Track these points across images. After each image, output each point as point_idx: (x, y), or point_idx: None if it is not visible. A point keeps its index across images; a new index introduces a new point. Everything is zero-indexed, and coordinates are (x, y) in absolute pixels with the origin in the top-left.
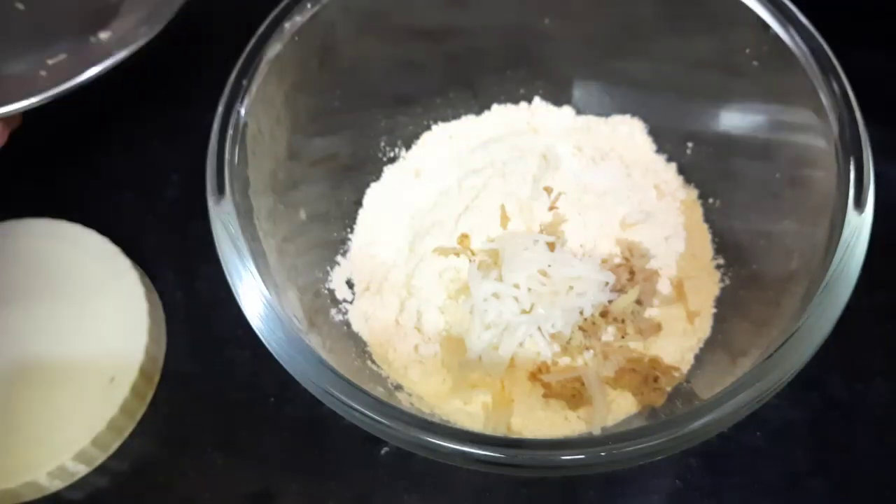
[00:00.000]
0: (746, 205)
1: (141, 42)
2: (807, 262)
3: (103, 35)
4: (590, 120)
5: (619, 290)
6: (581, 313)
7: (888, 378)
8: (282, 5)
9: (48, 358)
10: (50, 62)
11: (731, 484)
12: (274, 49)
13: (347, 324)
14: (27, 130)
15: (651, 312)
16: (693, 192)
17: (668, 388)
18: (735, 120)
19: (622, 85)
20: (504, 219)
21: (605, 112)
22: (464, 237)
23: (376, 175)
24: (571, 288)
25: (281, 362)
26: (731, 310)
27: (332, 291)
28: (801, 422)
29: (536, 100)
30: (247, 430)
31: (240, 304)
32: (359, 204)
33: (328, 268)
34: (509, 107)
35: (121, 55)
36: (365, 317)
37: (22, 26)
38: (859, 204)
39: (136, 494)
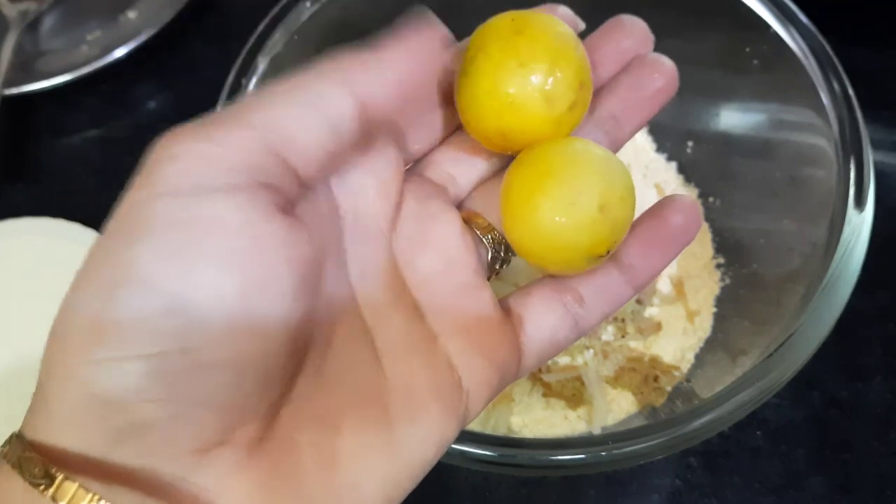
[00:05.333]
0: (747, 204)
1: (164, 21)
2: (807, 262)
3: (131, 14)
4: None
5: None
6: None
7: (888, 377)
8: (281, 4)
9: None
10: (89, 37)
11: (732, 483)
12: (273, 48)
13: None
14: (25, 128)
15: (651, 312)
16: (693, 192)
17: (669, 388)
18: (735, 119)
19: None
20: None
21: None
22: None
23: None
24: None
25: None
26: (732, 309)
27: None
28: (801, 421)
29: None
30: None
31: None
32: None
33: None
34: None
35: (149, 33)
36: None
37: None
38: (860, 203)
39: None
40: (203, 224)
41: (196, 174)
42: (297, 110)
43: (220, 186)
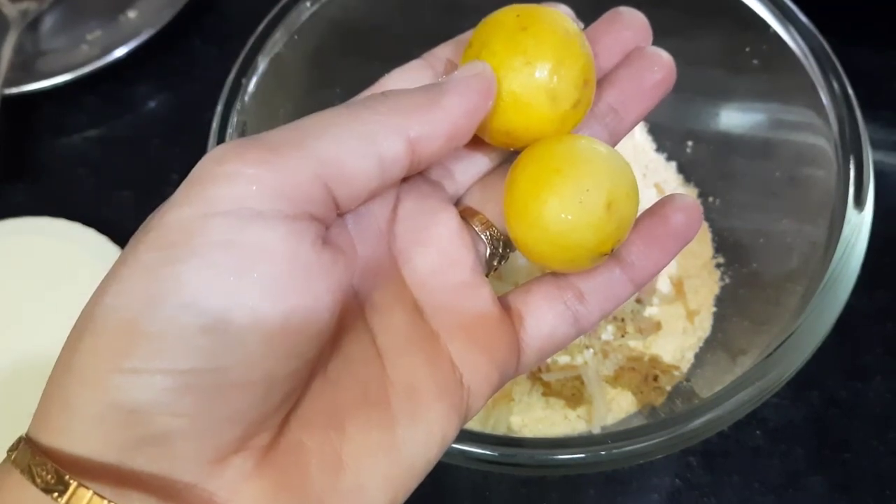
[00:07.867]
0: (746, 203)
1: (164, 21)
2: (806, 261)
3: (131, 14)
4: None
5: None
6: None
7: (887, 377)
8: (281, 4)
9: (47, 356)
10: (89, 37)
11: (731, 482)
12: (273, 48)
13: None
14: (25, 128)
15: (651, 311)
16: (693, 191)
17: (668, 387)
18: (735, 119)
19: None
20: None
21: None
22: None
23: None
24: None
25: None
26: (731, 308)
27: None
28: (800, 420)
29: None
30: None
31: None
32: None
33: None
34: None
35: (149, 33)
36: None
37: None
38: (859, 202)
39: None
40: (250, 249)
41: (248, 198)
42: (353, 147)
43: (269, 213)
